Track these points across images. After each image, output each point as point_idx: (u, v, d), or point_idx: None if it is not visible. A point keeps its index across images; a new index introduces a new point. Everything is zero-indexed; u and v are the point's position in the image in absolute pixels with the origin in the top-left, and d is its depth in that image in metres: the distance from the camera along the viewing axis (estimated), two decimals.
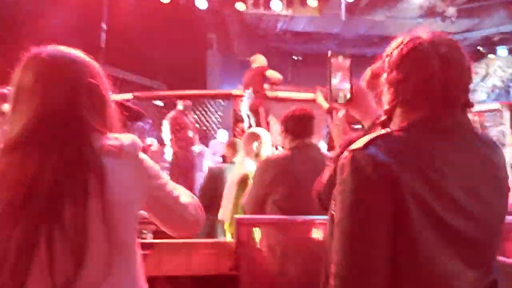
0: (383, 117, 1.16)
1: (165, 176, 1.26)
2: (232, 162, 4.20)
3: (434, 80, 1.08)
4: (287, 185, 2.61)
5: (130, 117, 1.49)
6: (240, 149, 3.98)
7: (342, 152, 1.08)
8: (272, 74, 6.02)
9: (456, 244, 0.99)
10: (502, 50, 30.77)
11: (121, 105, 1.47)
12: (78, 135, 1.10)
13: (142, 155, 1.18)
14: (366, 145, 1.03)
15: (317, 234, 2.54)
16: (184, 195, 1.29)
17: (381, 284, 0.97)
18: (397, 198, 0.97)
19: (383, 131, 1.09)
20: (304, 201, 2.49)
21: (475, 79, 29.02)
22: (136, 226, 1.16)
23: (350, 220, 1.00)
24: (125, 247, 1.12)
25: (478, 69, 30.34)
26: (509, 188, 1.11)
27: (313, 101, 5.11)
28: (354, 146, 1.05)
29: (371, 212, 0.99)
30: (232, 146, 4.35)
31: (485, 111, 6.95)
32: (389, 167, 0.99)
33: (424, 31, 1.14)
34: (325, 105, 5.31)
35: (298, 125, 2.75)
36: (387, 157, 1.00)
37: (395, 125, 1.12)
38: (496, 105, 6.79)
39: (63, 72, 1.13)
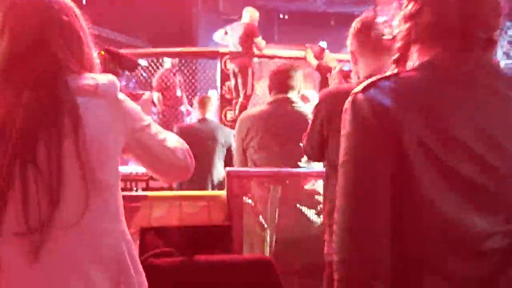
0: (396, 55, 1.09)
1: (148, 119, 1.22)
2: (202, 120, 4.19)
3: (451, 14, 1.01)
4: (260, 139, 2.67)
5: (122, 65, 1.43)
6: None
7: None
8: (259, 42, 5.94)
9: (464, 190, 0.96)
10: None
11: (112, 52, 1.42)
12: (51, 73, 1.07)
13: (121, 96, 1.15)
14: (366, 88, 1.00)
15: (309, 186, 2.55)
16: (171, 139, 1.26)
17: (384, 227, 0.96)
18: (397, 141, 0.95)
19: (389, 72, 1.05)
20: (276, 153, 2.55)
21: None
22: (116, 168, 1.14)
23: (352, 164, 0.98)
24: (103, 188, 1.10)
25: None
26: None
27: (303, 58, 5.03)
28: (356, 89, 1.02)
29: (371, 155, 0.97)
30: (200, 103, 4.33)
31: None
32: (388, 109, 0.96)
33: None
34: (314, 62, 5.28)
35: (277, 81, 2.81)
36: (388, 99, 0.97)
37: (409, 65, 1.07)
38: None
39: (34, 8, 1.10)
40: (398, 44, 1.09)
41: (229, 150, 4.04)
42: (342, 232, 0.97)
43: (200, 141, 3.95)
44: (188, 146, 1.30)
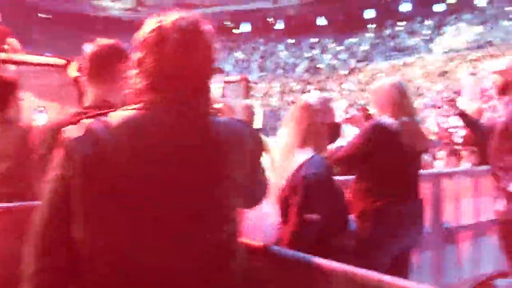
0: (126, 92, 1.21)
1: None
2: None
3: (166, 63, 1.13)
4: None
5: None
6: None
7: None
8: (13, 43, 5.45)
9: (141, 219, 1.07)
10: (246, 25, 33.95)
11: None
12: None
13: None
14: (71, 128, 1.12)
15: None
16: None
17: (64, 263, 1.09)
18: (79, 176, 1.07)
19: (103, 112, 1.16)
20: None
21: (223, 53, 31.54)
22: None
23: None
24: None
25: (227, 43, 33.19)
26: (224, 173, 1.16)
27: (61, 66, 4.82)
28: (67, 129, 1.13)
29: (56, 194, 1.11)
30: None
31: (229, 82, 7.75)
32: (80, 147, 1.08)
33: (175, 14, 1.18)
34: (75, 74, 5.21)
35: None
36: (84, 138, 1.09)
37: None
38: (237, 77, 7.67)
39: None
40: (132, 87, 1.19)
41: None
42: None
43: None
44: None
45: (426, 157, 4.09)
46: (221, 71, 2.21)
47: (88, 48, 1.76)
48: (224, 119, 1.23)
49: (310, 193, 2.04)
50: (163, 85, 1.14)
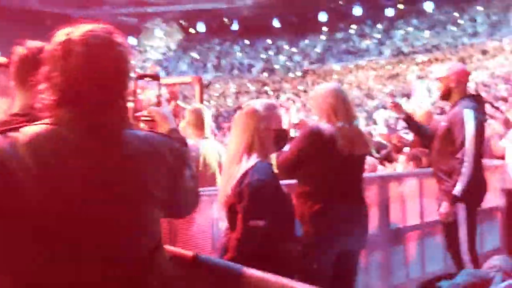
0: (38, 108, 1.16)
1: None
2: None
3: (73, 78, 1.10)
4: None
5: None
6: None
7: None
8: None
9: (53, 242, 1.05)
10: (201, 25, 33.76)
11: None
12: None
13: None
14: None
15: None
16: None
17: None
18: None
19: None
20: None
21: (178, 52, 31.27)
22: None
23: None
24: None
25: (183, 42, 32.71)
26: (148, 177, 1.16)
27: (3, 65, 4.59)
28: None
29: None
30: None
31: (179, 84, 7.69)
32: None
33: (86, 26, 1.14)
34: None
35: None
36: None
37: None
38: (188, 78, 7.60)
39: None
40: (42, 102, 1.15)
41: None
42: None
43: None
44: None
45: (373, 160, 4.16)
46: (157, 77, 2.12)
47: (17, 51, 1.66)
48: (141, 133, 1.21)
49: (255, 200, 2.03)
50: (72, 100, 1.11)
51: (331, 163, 2.57)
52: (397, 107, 4.41)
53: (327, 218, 2.54)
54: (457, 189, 3.08)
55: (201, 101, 8.86)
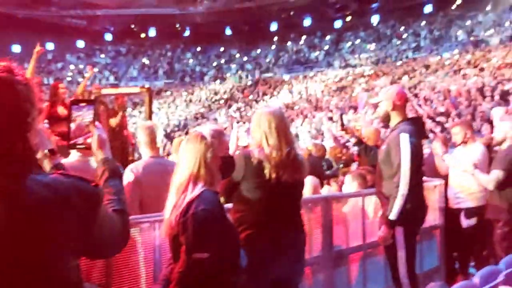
0: None
1: None
2: None
3: None
4: None
5: None
6: None
7: None
8: None
9: None
10: (153, 30, 32.96)
11: None
12: None
13: None
14: None
15: None
16: None
17: None
18: None
19: None
20: None
21: (128, 57, 30.55)
22: None
23: None
24: None
25: (133, 47, 32.00)
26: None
27: None
28: None
29: None
30: None
31: (128, 94, 7.47)
32: None
33: None
34: None
35: None
36: None
37: None
38: (137, 89, 7.44)
39: None
40: None
41: None
42: None
43: None
44: None
45: (315, 181, 4.23)
46: (92, 102, 2.00)
47: None
48: (46, 179, 1.14)
49: (199, 231, 2.00)
50: None
51: (261, 189, 2.58)
52: (347, 130, 4.52)
53: (259, 244, 2.54)
54: (393, 213, 3.16)
55: (150, 112, 8.73)
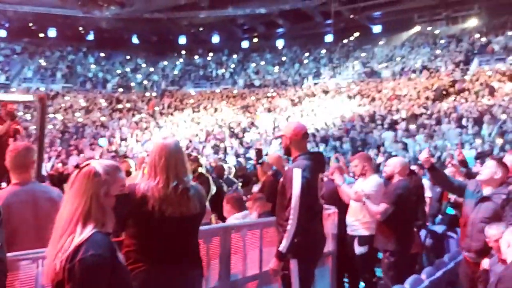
0: None
1: None
2: None
3: None
4: None
5: None
6: None
7: None
8: None
9: None
10: (53, 31, 31.21)
11: None
12: None
13: None
14: None
15: None
16: None
17: None
18: None
19: None
20: None
21: (23, 56, 28.48)
22: None
23: None
24: None
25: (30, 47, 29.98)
26: None
27: None
28: None
29: None
30: None
31: (19, 102, 6.93)
32: None
33: None
34: None
35: None
36: None
37: None
38: (30, 97, 6.89)
39: None
40: None
41: None
42: None
43: None
44: None
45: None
46: None
47: None
48: None
49: (88, 280, 1.85)
50: None
51: (145, 223, 2.54)
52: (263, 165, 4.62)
53: (148, 282, 2.46)
54: (282, 246, 3.22)
55: (43, 123, 8.01)
